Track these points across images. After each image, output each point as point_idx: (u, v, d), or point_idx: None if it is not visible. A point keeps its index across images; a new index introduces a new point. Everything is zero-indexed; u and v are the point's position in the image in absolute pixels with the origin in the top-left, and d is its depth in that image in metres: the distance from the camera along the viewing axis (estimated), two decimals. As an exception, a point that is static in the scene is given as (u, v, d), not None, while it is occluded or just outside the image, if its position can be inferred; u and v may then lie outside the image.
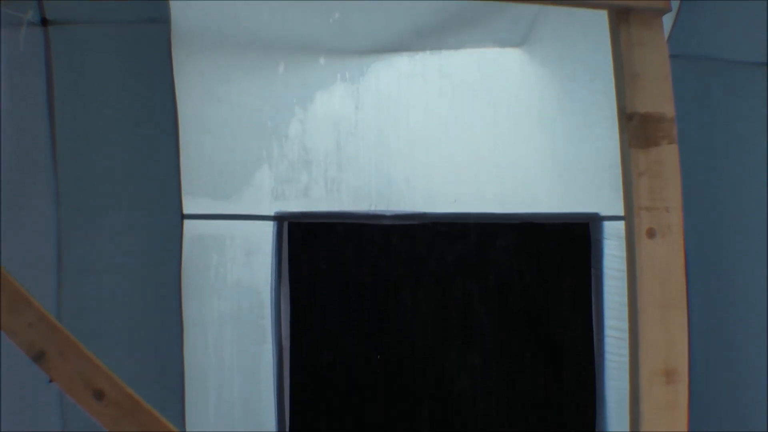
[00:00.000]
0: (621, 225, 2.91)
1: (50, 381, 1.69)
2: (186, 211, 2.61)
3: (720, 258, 2.75)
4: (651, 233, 1.88)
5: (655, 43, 1.95)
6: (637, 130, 1.92)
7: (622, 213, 2.87)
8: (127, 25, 2.40)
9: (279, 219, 2.74)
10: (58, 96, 2.27)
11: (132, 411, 1.64)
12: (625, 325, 2.88)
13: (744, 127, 2.73)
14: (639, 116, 1.92)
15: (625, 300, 2.88)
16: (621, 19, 1.94)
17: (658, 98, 1.95)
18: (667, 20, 2.07)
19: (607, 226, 2.93)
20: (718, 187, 2.74)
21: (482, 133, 2.87)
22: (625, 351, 2.89)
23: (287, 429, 2.75)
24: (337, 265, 2.82)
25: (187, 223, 2.61)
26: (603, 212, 2.93)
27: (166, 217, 2.57)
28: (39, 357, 1.64)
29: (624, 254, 2.91)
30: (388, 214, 2.83)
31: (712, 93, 2.75)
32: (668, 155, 1.93)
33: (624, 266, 2.91)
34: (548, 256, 2.96)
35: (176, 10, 2.50)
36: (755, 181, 2.71)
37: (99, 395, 1.64)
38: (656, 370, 1.85)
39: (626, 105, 1.93)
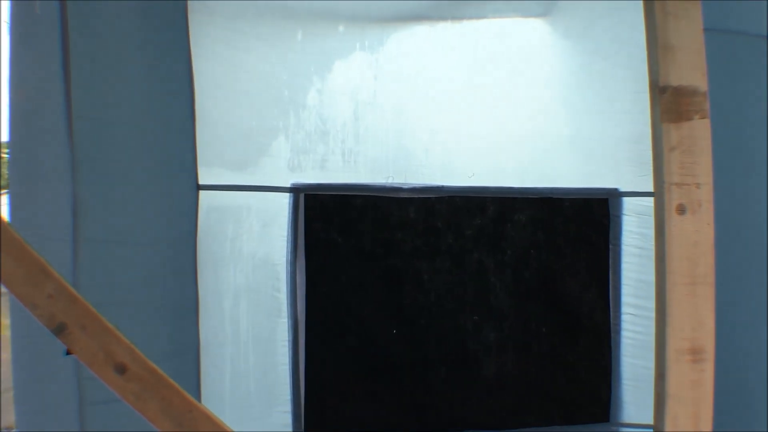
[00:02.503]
0: (640, 201, 2.90)
1: (68, 353, 1.67)
2: (201, 181, 2.57)
3: (736, 228, 2.71)
4: (681, 209, 1.85)
5: (690, 14, 1.90)
6: (669, 103, 1.87)
7: (641, 189, 2.88)
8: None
9: (295, 191, 2.71)
10: (74, 65, 2.21)
11: (154, 385, 1.63)
12: (642, 302, 2.91)
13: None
14: (672, 89, 1.88)
15: (643, 277, 2.91)
16: (656, -11, 1.88)
17: (692, 71, 1.90)
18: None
19: (627, 202, 2.89)
20: (739, 164, 2.70)
21: (502, 105, 2.82)
22: (641, 328, 2.91)
23: (302, 402, 2.74)
24: (354, 237, 2.79)
25: (202, 194, 2.58)
26: (622, 188, 2.90)
27: (182, 187, 2.53)
28: (60, 330, 1.62)
29: (642, 231, 2.92)
30: (405, 186, 2.79)
31: (739, 68, 2.69)
32: (700, 130, 1.89)
33: (642, 243, 2.92)
34: (566, 231, 2.92)
35: (193, -24, 2.45)
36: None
37: (121, 369, 1.62)
38: (683, 348, 1.83)
39: (659, 78, 1.88)
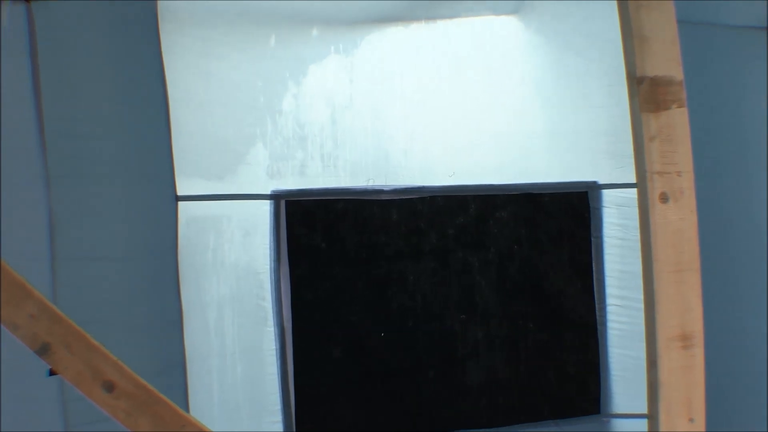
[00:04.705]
0: (619, 193, 2.93)
1: (51, 373, 1.63)
2: (180, 192, 2.53)
3: (721, 220, 2.76)
4: (663, 197, 1.87)
5: (663, 5, 1.92)
6: (647, 94, 1.90)
7: (620, 181, 2.91)
8: (113, 0, 2.30)
9: (275, 197, 2.68)
10: (44, 76, 2.17)
11: (145, 401, 1.60)
12: (627, 293, 2.93)
13: (744, 92, 2.73)
14: (649, 80, 1.90)
15: (626, 268, 2.94)
16: (629, -19, 1.90)
17: (667, 61, 1.93)
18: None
19: (606, 194, 2.92)
20: (719, 152, 2.75)
21: (479, 103, 2.83)
22: (627, 319, 2.93)
23: (293, 411, 2.71)
24: (337, 242, 2.77)
25: (181, 204, 2.53)
26: (601, 180, 2.92)
27: (160, 199, 2.49)
28: (43, 350, 1.58)
29: (623, 222, 2.94)
30: (386, 188, 2.78)
31: (712, 58, 2.74)
32: (678, 119, 1.91)
33: (624, 234, 2.95)
34: (548, 225, 2.94)
35: (162, -17, 2.41)
36: (756, 145, 2.72)
37: (109, 387, 1.59)
38: (673, 335, 1.85)
39: (636, 69, 1.90)
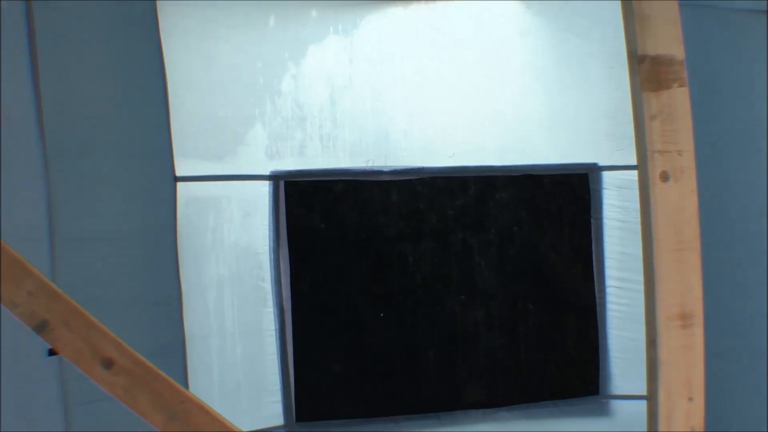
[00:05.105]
0: (620, 174, 2.92)
1: (50, 353, 1.63)
2: (179, 173, 2.53)
3: (720, 200, 2.75)
4: (664, 176, 1.86)
5: (664, -16, 1.90)
6: (648, 73, 1.88)
7: (620, 163, 2.90)
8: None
9: (275, 178, 2.67)
10: (42, 61, 2.16)
11: (143, 378, 1.59)
12: (626, 275, 2.93)
13: (744, 74, 2.72)
14: (650, 59, 1.88)
15: (625, 250, 2.93)
16: (630, -40, 1.88)
17: (668, 40, 1.91)
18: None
19: (606, 176, 2.91)
20: (719, 132, 2.74)
21: (479, 85, 2.82)
22: (626, 300, 2.94)
23: (292, 391, 2.72)
24: (336, 223, 2.77)
25: (180, 185, 2.53)
26: (601, 162, 2.91)
27: (159, 180, 2.49)
28: (42, 327, 1.58)
29: (623, 204, 2.94)
30: (386, 169, 2.77)
31: (712, 39, 2.72)
32: (679, 98, 1.90)
33: (623, 216, 2.94)
34: (548, 208, 2.93)
35: (160, -35, 2.39)
36: (755, 127, 2.71)
37: (108, 364, 1.58)
38: (672, 314, 1.84)
39: (637, 48, 1.88)
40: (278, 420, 2.73)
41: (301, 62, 2.67)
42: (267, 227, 2.67)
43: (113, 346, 1.59)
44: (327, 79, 2.70)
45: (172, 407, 1.57)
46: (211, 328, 2.62)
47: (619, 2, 1.95)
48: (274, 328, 2.69)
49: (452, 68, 2.81)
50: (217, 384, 2.64)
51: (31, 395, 2.22)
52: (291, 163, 2.69)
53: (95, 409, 2.23)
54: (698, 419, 1.81)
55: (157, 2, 2.44)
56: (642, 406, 1.98)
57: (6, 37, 2.14)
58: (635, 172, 1.94)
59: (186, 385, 2.54)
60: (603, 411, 2.96)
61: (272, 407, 2.71)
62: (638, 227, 1.92)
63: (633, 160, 1.93)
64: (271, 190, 2.67)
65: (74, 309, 1.59)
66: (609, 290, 2.93)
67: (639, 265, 1.87)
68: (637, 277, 2.78)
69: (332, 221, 2.77)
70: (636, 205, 1.92)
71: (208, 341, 2.61)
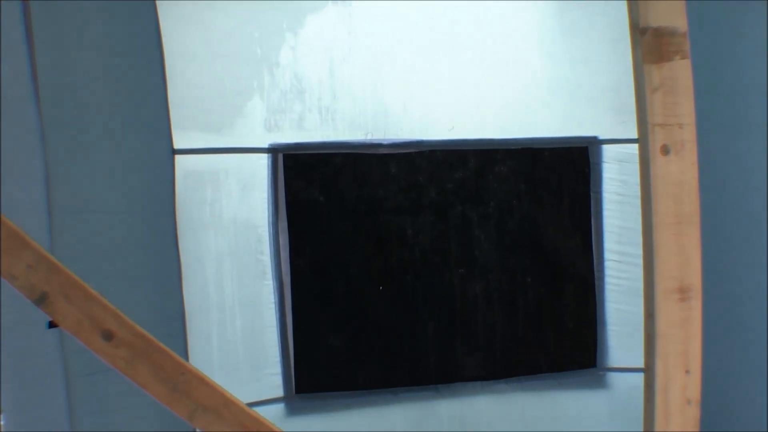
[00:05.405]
0: (620, 148, 2.91)
1: (51, 325, 1.63)
2: (177, 145, 2.51)
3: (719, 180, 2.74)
4: (665, 150, 1.85)
5: (667, -47, 1.88)
6: (650, 44, 1.86)
7: (621, 136, 2.88)
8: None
9: (273, 151, 2.66)
10: (37, 29, 2.12)
11: (144, 350, 1.60)
12: (625, 248, 2.94)
13: (747, 46, 2.69)
14: (652, 30, 1.86)
15: (624, 224, 2.93)
16: (632, -71, 1.85)
17: (671, 12, 1.88)
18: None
19: (607, 149, 2.90)
20: (721, 105, 2.72)
21: (479, 56, 2.79)
22: (625, 274, 2.94)
23: (292, 363, 2.74)
24: (335, 196, 2.76)
25: (178, 158, 2.52)
26: (602, 136, 2.90)
27: (157, 152, 2.47)
28: (41, 300, 1.58)
29: (623, 178, 2.93)
30: (385, 142, 2.75)
31: (714, 12, 2.70)
32: (681, 70, 1.88)
33: (623, 190, 2.94)
34: (548, 181, 2.92)
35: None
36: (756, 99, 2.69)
37: (108, 335, 1.59)
38: (671, 287, 1.84)
39: (639, 19, 1.86)
40: (278, 392, 2.75)
41: (300, 33, 2.64)
42: (266, 200, 2.66)
43: (113, 318, 1.59)
44: (326, 51, 2.67)
45: (173, 379, 1.58)
46: (210, 301, 2.62)
47: (622, -27, 1.93)
48: (273, 301, 2.70)
49: (452, 41, 2.78)
50: (217, 356, 2.65)
51: (31, 368, 2.22)
52: (290, 136, 2.67)
53: (96, 381, 2.25)
54: (695, 392, 1.82)
55: (153, -28, 2.41)
56: (639, 378, 1.99)
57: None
58: (635, 146, 1.93)
59: (186, 357, 2.55)
60: (600, 383, 2.99)
61: (272, 379, 2.72)
62: (638, 201, 1.91)
63: (634, 134, 1.92)
64: (270, 163, 2.66)
65: (74, 281, 1.58)
66: (607, 264, 2.94)
67: (638, 238, 1.87)
68: (635, 250, 2.78)
69: (331, 194, 2.76)
70: (636, 179, 1.91)
71: (207, 314, 2.62)
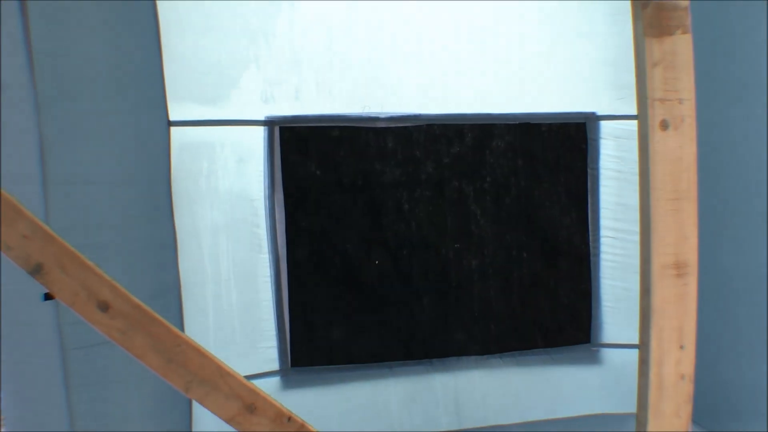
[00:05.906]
0: (618, 125, 2.89)
1: (46, 297, 1.62)
2: (172, 117, 2.49)
3: (720, 150, 2.73)
4: (664, 125, 1.84)
5: (670, -75, 1.85)
6: (651, 18, 1.84)
7: (619, 113, 2.86)
8: None
9: (270, 124, 2.64)
10: (32, 3, 2.08)
11: (140, 321, 1.60)
12: (621, 225, 2.93)
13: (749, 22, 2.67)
14: (654, 4, 1.84)
15: (621, 200, 2.93)
16: None
17: (673, -16, 1.86)
18: None
19: (604, 125, 2.88)
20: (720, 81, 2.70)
21: (477, 31, 2.76)
22: (620, 251, 2.94)
23: (287, 337, 2.74)
24: (332, 169, 2.75)
25: (174, 130, 2.49)
26: (600, 112, 2.88)
27: (152, 124, 2.45)
28: (37, 270, 1.57)
29: (620, 154, 2.91)
30: (382, 116, 2.73)
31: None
32: (682, 45, 1.86)
33: (620, 167, 2.93)
34: (545, 156, 2.92)
35: None
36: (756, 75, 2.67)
37: (104, 307, 1.58)
38: (667, 262, 1.84)
39: (640, -9, 1.84)
40: (273, 365, 2.76)
41: (296, 4, 2.59)
42: (262, 173, 2.65)
43: (109, 290, 1.58)
44: (323, 22, 2.63)
45: (169, 350, 1.58)
46: (206, 274, 2.62)
47: (624, -54, 1.90)
48: (269, 274, 2.70)
49: (451, 15, 2.74)
50: (213, 329, 2.65)
51: (28, 339, 2.22)
52: (286, 108, 2.65)
53: (92, 352, 2.24)
54: (688, 367, 1.83)
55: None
56: (632, 354, 2.00)
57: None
58: (633, 122, 1.92)
59: (182, 329, 2.55)
60: (594, 359, 3.01)
61: (267, 353, 2.73)
62: (635, 178, 1.91)
63: (632, 110, 1.91)
64: (266, 136, 2.64)
65: (69, 252, 1.57)
66: (603, 240, 2.94)
67: (634, 215, 1.87)
68: (631, 227, 2.79)
69: (327, 167, 2.74)
70: (633, 155, 1.90)
71: (203, 287, 2.61)
